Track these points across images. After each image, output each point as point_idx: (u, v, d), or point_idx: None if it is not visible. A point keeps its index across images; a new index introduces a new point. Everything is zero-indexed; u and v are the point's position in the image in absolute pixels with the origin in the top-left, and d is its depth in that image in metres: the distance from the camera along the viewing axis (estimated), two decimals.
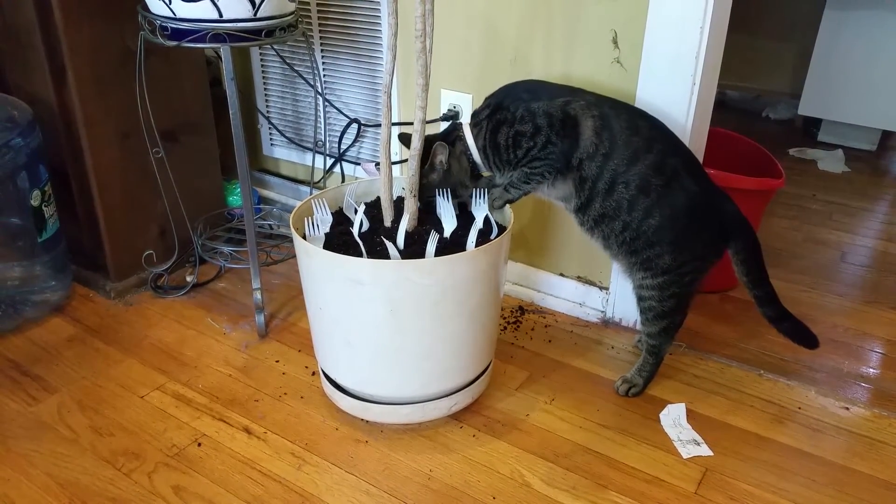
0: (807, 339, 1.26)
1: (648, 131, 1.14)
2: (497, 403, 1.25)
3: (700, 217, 1.17)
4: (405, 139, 1.18)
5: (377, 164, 1.64)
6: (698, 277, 1.22)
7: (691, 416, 1.22)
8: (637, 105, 1.28)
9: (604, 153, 1.12)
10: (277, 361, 1.35)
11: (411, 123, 1.13)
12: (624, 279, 1.42)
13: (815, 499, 1.06)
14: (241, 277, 1.63)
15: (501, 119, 1.16)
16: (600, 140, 1.12)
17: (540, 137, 1.13)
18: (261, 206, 1.92)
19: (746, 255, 1.21)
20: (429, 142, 1.17)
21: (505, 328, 1.46)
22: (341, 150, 1.77)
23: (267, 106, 1.88)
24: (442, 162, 1.18)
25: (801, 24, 2.73)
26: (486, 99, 1.21)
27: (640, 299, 1.23)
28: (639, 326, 1.27)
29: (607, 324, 1.48)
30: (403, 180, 1.19)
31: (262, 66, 1.83)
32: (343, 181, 1.79)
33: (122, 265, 1.55)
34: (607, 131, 1.12)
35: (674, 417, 1.21)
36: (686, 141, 1.27)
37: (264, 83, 1.85)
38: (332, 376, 1.20)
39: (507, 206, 1.20)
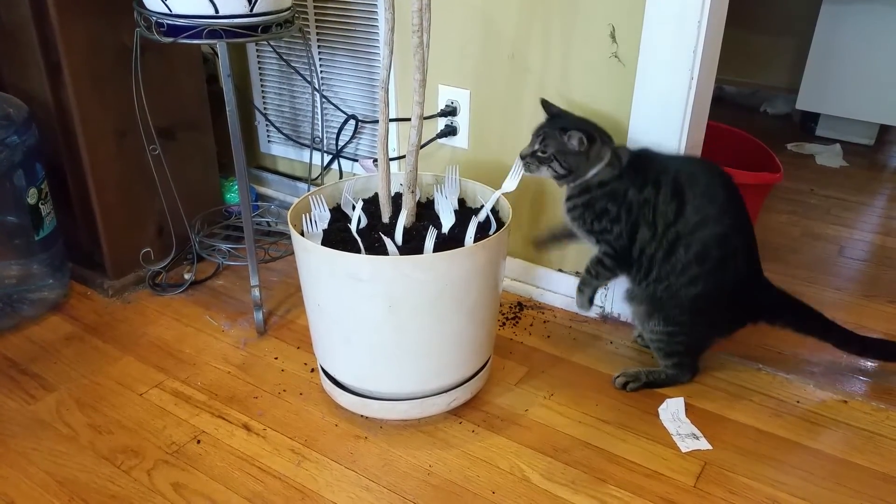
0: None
1: (724, 201, 1.17)
2: (496, 399, 1.25)
3: (738, 299, 1.21)
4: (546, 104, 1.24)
5: (375, 160, 1.64)
6: (713, 336, 1.28)
7: (690, 410, 1.22)
8: (634, 101, 1.28)
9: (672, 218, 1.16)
10: (276, 358, 1.35)
11: (409, 119, 1.13)
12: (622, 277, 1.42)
13: (814, 492, 1.06)
14: (240, 275, 1.63)
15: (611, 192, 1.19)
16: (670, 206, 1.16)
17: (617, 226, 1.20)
18: (258, 203, 1.92)
19: (798, 326, 1.27)
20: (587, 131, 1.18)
21: (504, 324, 1.46)
22: (339, 147, 1.77)
23: (264, 103, 1.88)
24: (582, 142, 1.17)
25: (798, 19, 2.73)
26: (624, 150, 1.22)
27: (649, 339, 1.27)
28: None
29: (606, 319, 1.48)
30: (401, 176, 1.19)
31: (259, 62, 1.83)
32: (341, 177, 1.79)
33: (119, 263, 1.55)
34: (680, 196, 1.16)
35: (672, 412, 1.22)
36: (684, 135, 1.27)
37: (261, 80, 1.85)
38: (331, 373, 1.20)
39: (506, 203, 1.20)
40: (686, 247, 1.15)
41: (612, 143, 1.21)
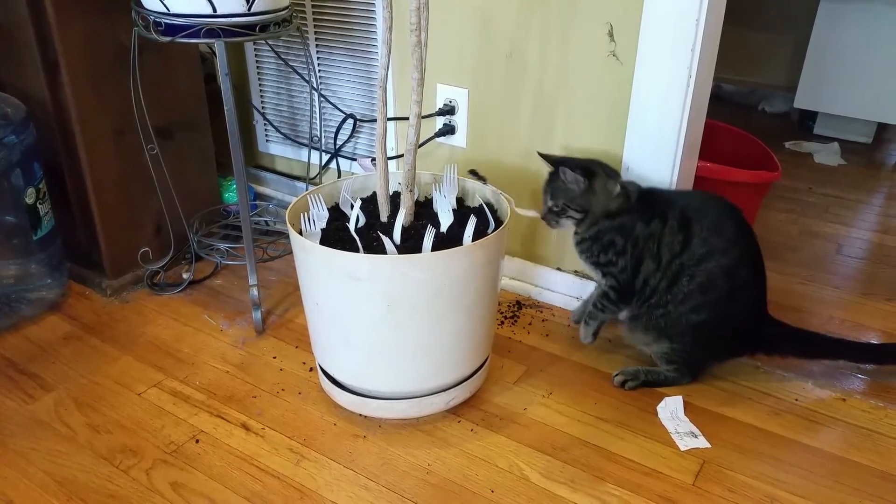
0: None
1: (732, 234, 1.18)
2: (495, 398, 1.25)
3: (741, 330, 1.23)
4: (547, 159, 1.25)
5: (373, 159, 1.64)
6: (711, 360, 1.30)
7: (688, 408, 1.23)
8: (633, 100, 1.28)
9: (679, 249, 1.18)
10: (275, 358, 1.35)
11: (407, 118, 1.13)
12: None
13: (813, 490, 1.06)
14: (238, 274, 1.62)
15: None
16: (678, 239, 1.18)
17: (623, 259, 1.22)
18: (256, 202, 1.91)
19: (806, 354, 1.30)
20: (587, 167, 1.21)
21: (502, 323, 1.46)
22: (337, 146, 1.77)
23: (262, 102, 1.88)
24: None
25: (796, 17, 2.73)
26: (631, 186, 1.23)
27: (653, 353, 1.29)
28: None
29: None
30: (399, 175, 1.19)
31: (257, 61, 1.83)
32: (339, 177, 1.79)
33: (117, 262, 1.55)
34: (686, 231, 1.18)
35: (671, 410, 1.22)
36: (682, 133, 1.27)
37: (259, 79, 1.85)
38: (330, 372, 1.19)
39: (503, 198, 1.20)
40: (689, 277, 1.17)
41: (618, 177, 1.22)
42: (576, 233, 1.27)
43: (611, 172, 1.22)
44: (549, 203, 1.24)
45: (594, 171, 1.20)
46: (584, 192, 1.20)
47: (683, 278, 1.17)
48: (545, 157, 1.25)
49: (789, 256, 1.77)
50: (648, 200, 1.22)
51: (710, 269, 1.16)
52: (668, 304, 1.19)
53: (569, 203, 1.21)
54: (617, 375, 1.28)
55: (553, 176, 1.24)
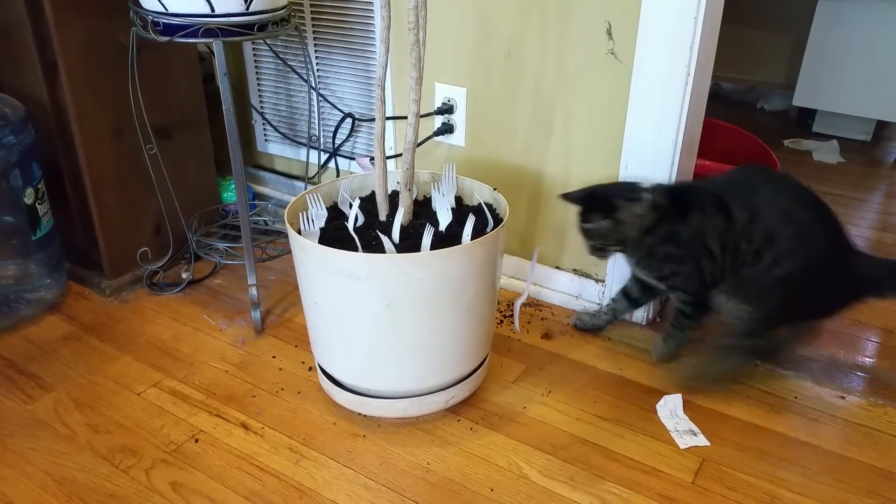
0: None
1: (766, 184, 1.17)
2: (494, 396, 1.25)
3: (830, 275, 1.17)
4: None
5: (372, 158, 1.64)
6: (806, 317, 1.27)
7: (688, 406, 1.23)
8: (631, 98, 1.28)
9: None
10: (274, 357, 1.35)
11: (405, 117, 1.13)
12: (620, 272, 1.42)
13: (812, 487, 1.06)
14: (237, 274, 1.62)
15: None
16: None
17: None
18: (255, 201, 1.91)
19: None
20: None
21: (501, 321, 1.46)
22: (336, 145, 1.77)
23: (260, 101, 1.88)
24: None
25: (795, 15, 2.73)
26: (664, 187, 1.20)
27: (731, 320, 1.23)
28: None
29: None
30: (398, 174, 1.19)
31: (256, 61, 1.82)
32: (338, 176, 1.79)
33: (116, 262, 1.55)
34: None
35: (670, 408, 1.22)
36: (681, 132, 1.27)
37: (257, 79, 1.85)
38: (329, 371, 1.20)
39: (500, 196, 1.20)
40: (747, 241, 1.14)
41: (641, 194, 1.17)
42: (629, 258, 1.25)
43: (633, 194, 1.18)
44: (590, 244, 1.23)
45: (613, 205, 1.17)
46: (612, 228, 1.18)
47: (742, 243, 1.14)
48: (567, 197, 1.22)
49: None
50: (681, 198, 1.19)
51: (765, 223, 1.13)
52: (741, 271, 1.16)
53: (605, 240, 1.21)
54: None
55: (581, 216, 1.22)
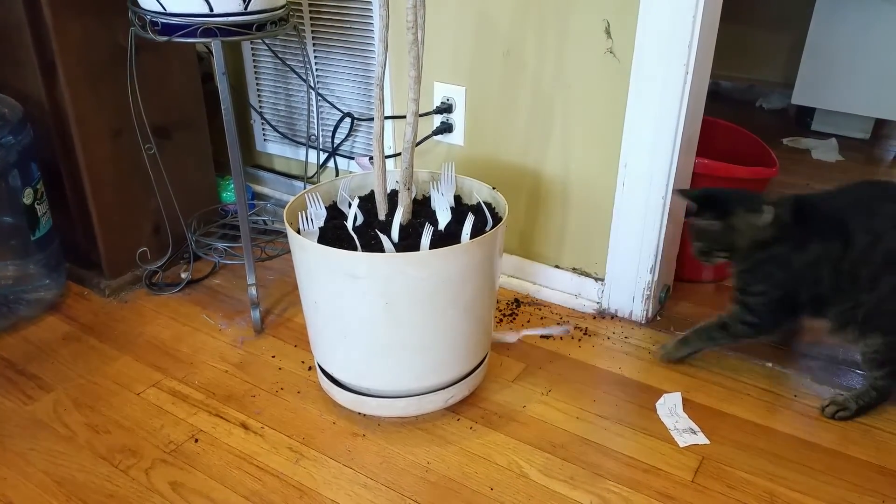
0: None
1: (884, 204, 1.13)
2: (493, 395, 1.25)
3: None
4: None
5: (371, 157, 1.64)
6: None
7: (687, 405, 1.23)
8: (630, 96, 1.28)
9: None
10: (273, 357, 1.35)
11: (404, 116, 1.13)
12: (620, 270, 1.43)
13: (812, 485, 1.06)
14: (236, 273, 1.62)
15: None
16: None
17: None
18: (255, 201, 1.91)
19: None
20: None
21: (501, 321, 1.46)
22: (335, 145, 1.77)
23: (259, 101, 1.87)
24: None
25: (794, 14, 2.73)
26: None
27: (862, 353, 1.19)
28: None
29: (603, 315, 1.48)
30: (397, 174, 1.19)
31: (254, 61, 1.82)
32: (337, 175, 1.79)
33: (116, 262, 1.55)
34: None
35: (670, 407, 1.22)
36: (679, 131, 1.27)
37: (256, 78, 1.85)
38: (329, 371, 1.20)
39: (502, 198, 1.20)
40: (866, 266, 1.11)
41: (763, 206, 1.15)
42: (733, 265, 1.23)
43: (754, 204, 1.15)
44: (695, 245, 1.21)
45: (730, 209, 1.15)
46: (723, 232, 1.17)
47: (862, 269, 1.11)
48: (683, 193, 1.21)
49: None
50: (803, 219, 1.15)
51: (889, 246, 1.09)
52: (860, 296, 1.12)
53: (712, 244, 1.19)
54: (828, 405, 1.20)
55: (692, 215, 1.20)
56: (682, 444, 1.14)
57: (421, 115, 1.31)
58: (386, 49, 1.08)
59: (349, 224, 1.15)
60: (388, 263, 1.02)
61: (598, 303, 1.49)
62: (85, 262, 1.57)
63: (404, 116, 1.12)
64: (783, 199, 1.17)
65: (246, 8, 1.21)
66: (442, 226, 1.15)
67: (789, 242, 1.15)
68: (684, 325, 1.43)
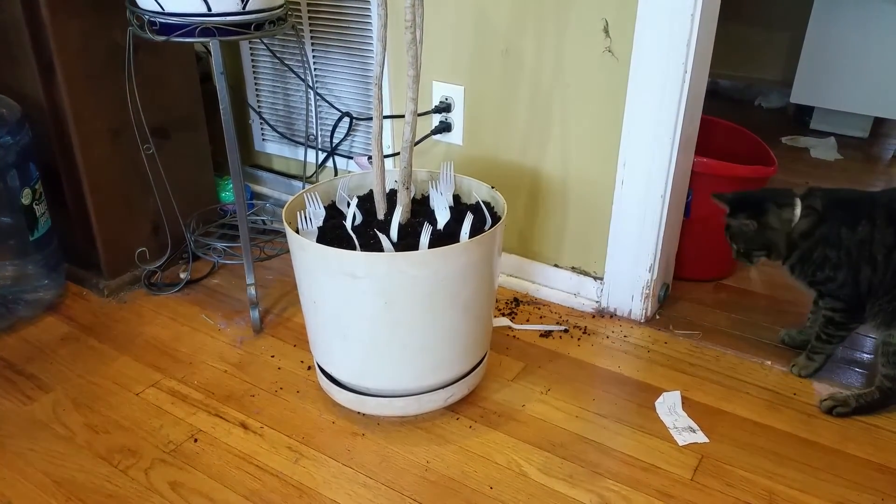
0: None
1: None
2: (493, 394, 1.25)
3: None
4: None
5: (369, 157, 1.64)
6: None
7: (686, 403, 1.23)
8: (629, 95, 1.28)
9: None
10: (273, 356, 1.35)
11: (403, 116, 1.13)
12: (619, 269, 1.43)
13: (811, 483, 1.06)
14: (235, 273, 1.62)
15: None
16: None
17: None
18: (253, 201, 1.91)
19: None
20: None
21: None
22: (333, 144, 1.77)
23: (258, 101, 1.87)
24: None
25: (792, 13, 2.73)
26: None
27: (885, 344, 1.18)
28: (879, 369, 1.20)
29: (602, 314, 1.49)
30: (396, 173, 1.19)
31: (253, 60, 1.82)
32: (335, 175, 1.78)
33: (115, 263, 1.55)
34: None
35: (669, 405, 1.22)
36: (678, 129, 1.27)
37: (255, 78, 1.85)
38: (328, 370, 1.19)
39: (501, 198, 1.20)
40: None
41: (794, 199, 1.18)
42: (783, 264, 1.24)
43: (784, 199, 1.19)
44: (734, 248, 1.23)
45: (763, 208, 1.18)
46: (759, 231, 1.18)
47: None
48: (719, 198, 1.22)
49: None
50: (845, 204, 1.17)
51: None
52: None
53: (749, 245, 1.21)
54: (825, 401, 1.21)
55: (728, 217, 1.22)
56: (681, 443, 1.14)
57: (420, 115, 1.31)
58: (384, 48, 1.08)
59: (348, 223, 1.15)
60: (387, 263, 1.02)
61: (597, 302, 1.49)
62: (84, 262, 1.57)
63: (403, 116, 1.12)
64: (812, 189, 1.20)
65: (244, 7, 1.21)
66: (441, 225, 1.15)
67: (835, 223, 1.16)
68: (683, 324, 1.44)
